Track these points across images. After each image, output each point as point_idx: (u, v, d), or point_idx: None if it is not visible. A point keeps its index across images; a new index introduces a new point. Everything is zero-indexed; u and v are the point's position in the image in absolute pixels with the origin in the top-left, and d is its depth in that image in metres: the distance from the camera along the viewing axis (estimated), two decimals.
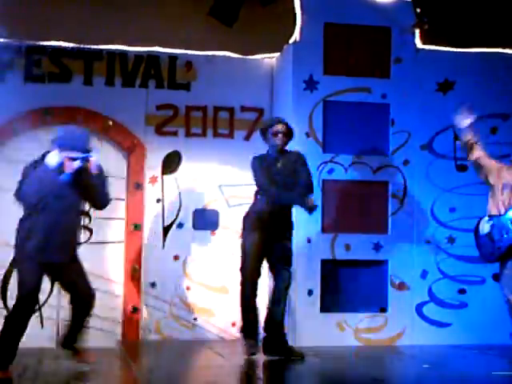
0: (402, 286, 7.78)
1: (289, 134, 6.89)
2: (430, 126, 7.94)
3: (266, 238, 6.75)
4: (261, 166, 6.82)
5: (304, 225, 7.54)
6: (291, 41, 7.83)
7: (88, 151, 5.87)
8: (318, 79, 7.70)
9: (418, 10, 7.85)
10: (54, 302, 7.52)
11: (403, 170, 7.86)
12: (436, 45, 8.03)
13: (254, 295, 6.77)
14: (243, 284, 6.78)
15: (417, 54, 7.94)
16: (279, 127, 6.84)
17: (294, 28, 7.78)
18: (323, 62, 7.73)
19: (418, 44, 7.98)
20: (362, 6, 7.80)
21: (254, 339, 6.82)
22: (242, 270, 6.80)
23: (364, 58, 7.84)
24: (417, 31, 7.95)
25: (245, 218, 6.90)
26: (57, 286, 6.76)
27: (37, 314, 7.32)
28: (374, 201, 7.84)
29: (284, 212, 6.82)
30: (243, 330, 6.84)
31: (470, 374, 6.38)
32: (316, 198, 7.51)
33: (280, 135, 6.81)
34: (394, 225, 7.81)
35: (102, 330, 7.49)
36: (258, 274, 6.77)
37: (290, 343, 7.23)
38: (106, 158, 7.70)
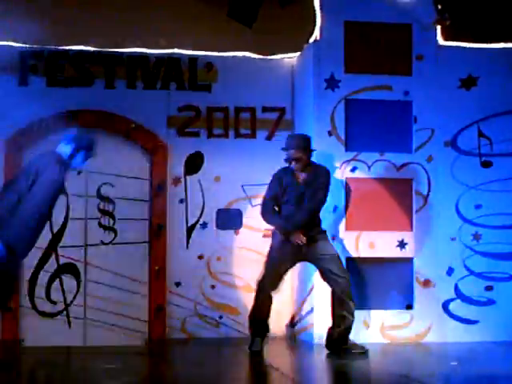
0: (427, 283, 7.95)
1: (302, 154, 7.08)
2: (454, 123, 8.12)
3: (292, 254, 7.09)
4: (274, 183, 7.15)
5: (328, 223, 7.74)
6: (311, 40, 8.04)
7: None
8: (339, 78, 7.92)
9: (439, 6, 8.00)
10: (81, 302, 7.96)
11: (427, 167, 8.03)
12: (458, 41, 8.21)
13: (266, 306, 7.20)
14: (257, 295, 7.21)
15: (439, 51, 8.10)
16: (289, 154, 7.09)
17: (313, 27, 7.99)
18: (344, 60, 7.94)
19: (440, 40, 8.16)
20: (382, 3, 7.98)
21: (261, 338, 7.23)
22: (260, 282, 7.20)
23: (385, 56, 8.02)
24: (438, 27, 8.13)
25: (273, 233, 7.26)
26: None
27: (64, 313, 7.76)
28: (397, 198, 8.00)
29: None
30: (252, 329, 7.30)
31: (498, 370, 6.51)
32: (339, 196, 7.86)
33: (293, 162, 7.08)
34: (419, 222, 7.98)
35: (129, 329, 7.82)
36: (273, 288, 7.16)
37: (316, 340, 7.58)
38: (129, 159, 8.10)
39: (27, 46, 8.04)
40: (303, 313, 8.03)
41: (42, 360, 6.81)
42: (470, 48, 8.23)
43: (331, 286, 7.10)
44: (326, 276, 7.10)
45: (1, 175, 7.74)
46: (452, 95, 8.13)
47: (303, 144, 7.15)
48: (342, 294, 7.06)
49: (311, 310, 7.85)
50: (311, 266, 7.39)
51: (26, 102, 7.87)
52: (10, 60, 7.98)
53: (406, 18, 8.05)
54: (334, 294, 7.13)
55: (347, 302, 7.08)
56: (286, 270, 7.21)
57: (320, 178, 7.14)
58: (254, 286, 7.56)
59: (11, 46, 8.07)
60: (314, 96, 7.95)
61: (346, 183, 7.96)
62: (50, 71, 8.06)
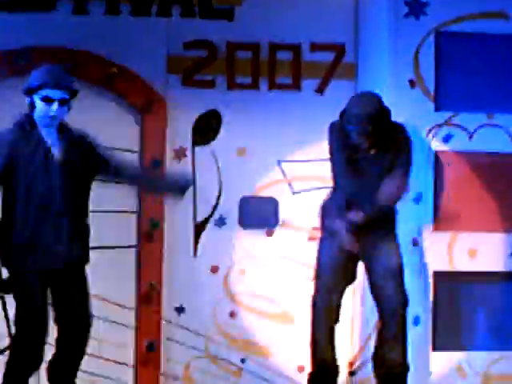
0: None
1: (379, 126, 6.28)
2: None
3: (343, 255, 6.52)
4: (340, 146, 6.45)
5: (407, 219, 6.96)
6: None
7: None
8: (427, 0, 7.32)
9: None
10: None
11: None
12: None
13: (329, 329, 6.53)
14: (313, 313, 6.50)
15: None
16: (358, 131, 6.34)
17: None
18: None
19: None
20: None
21: None
22: (314, 292, 6.52)
23: None
24: None
25: (323, 210, 6.49)
26: None
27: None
28: None
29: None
30: (311, 376, 6.56)
31: None
32: (425, 178, 7.25)
33: (362, 137, 6.34)
34: None
35: (106, 377, 7.20)
36: (336, 301, 6.49)
37: None
38: (110, 120, 7.30)
39: None
40: (367, 355, 7.21)
41: None
42: None
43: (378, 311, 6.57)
44: (376, 294, 6.55)
45: None
46: None
47: (378, 112, 6.27)
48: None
49: None
50: None
51: None
52: None
53: None
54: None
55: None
56: (346, 273, 6.56)
57: (398, 148, 6.35)
58: (292, 313, 7.09)
59: None
60: (390, 27, 7.27)
61: (436, 159, 7.30)
62: None
